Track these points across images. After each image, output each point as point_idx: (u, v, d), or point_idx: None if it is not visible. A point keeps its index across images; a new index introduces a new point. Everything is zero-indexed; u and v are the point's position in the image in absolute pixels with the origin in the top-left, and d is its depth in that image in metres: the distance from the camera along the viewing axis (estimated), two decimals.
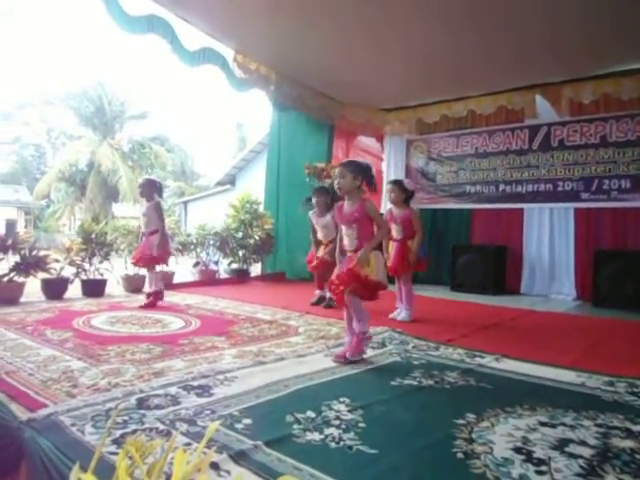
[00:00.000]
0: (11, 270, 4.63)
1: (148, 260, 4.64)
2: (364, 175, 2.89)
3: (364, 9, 4.68)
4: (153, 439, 1.69)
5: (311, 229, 4.98)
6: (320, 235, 4.83)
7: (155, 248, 4.57)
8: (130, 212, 22.93)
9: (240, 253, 7.15)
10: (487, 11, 4.50)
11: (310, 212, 4.93)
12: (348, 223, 2.89)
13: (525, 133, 6.57)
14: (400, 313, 4.22)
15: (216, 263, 7.41)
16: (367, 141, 8.27)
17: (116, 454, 1.59)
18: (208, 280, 6.75)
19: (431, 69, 5.98)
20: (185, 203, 19.98)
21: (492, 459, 1.64)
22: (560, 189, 6.26)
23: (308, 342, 3.28)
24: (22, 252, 4.73)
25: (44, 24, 54.66)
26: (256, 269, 7.80)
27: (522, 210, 6.56)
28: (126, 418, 1.88)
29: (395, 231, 4.24)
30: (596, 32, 4.73)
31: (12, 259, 4.80)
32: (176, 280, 6.43)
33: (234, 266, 7.29)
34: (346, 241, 2.93)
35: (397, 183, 4.31)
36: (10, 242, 4.70)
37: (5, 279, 4.59)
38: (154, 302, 4.58)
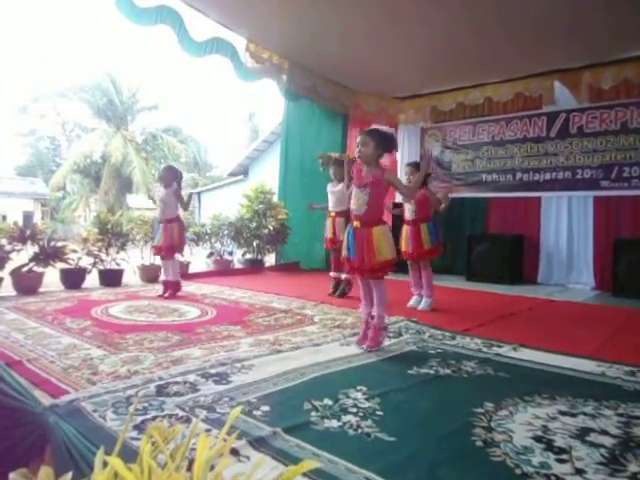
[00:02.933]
0: (30, 260, 4.70)
1: (170, 250, 4.66)
2: (387, 146, 2.83)
3: None
4: (173, 425, 1.70)
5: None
6: (330, 205, 4.81)
7: (175, 236, 4.60)
8: (144, 203, 23.14)
9: (254, 243, 7.17)
10: None
11: (328, 184, 4.93)
12: (362, 185, 2.83)
13: (543, 120, 6.45)
14: (420, 302, 4.20)
15: (230, 253, 7.45)
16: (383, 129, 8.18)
17: (137, 439, 1.61)
18: (223, 270, 6.79)
19: (446, 56, 5.88)
20: (199, 194, 20.06)
21: (512, 447, 1.64)
22: (579, 177, 6.15)
23: (324, 331, 3.28)
24: (41, 243, 4.80)
25: (57, 17, 55.03)
26: (270, 259, 7.83)
27: (539, 199, 6.46)
28: (146, 405, 1.91)
29: (409, 211, 4.21)
30: (618, 12, 4.59)
31: (31, 250, 4.87)
32: (191, 270, 6.48)
33: (248, 256, 7.32)
34: (355, 205, 2.86)
35: (414, 165, 4.29)
36: (29, 233, 4.76)
37: (25, 269, 4.67)
38: (174, 293, 4.62)
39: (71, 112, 28.40)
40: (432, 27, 5.20)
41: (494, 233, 6.62)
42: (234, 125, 55.84)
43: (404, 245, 4.22)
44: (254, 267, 7.11)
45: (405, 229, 4.25)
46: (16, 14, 52.21)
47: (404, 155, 7.78)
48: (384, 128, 2.93)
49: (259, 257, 7.31)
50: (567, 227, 6.25)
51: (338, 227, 4.65)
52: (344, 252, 2.97)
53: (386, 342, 2.98)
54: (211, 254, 7.28)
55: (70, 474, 1.03)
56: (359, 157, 2.88)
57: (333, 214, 4.77)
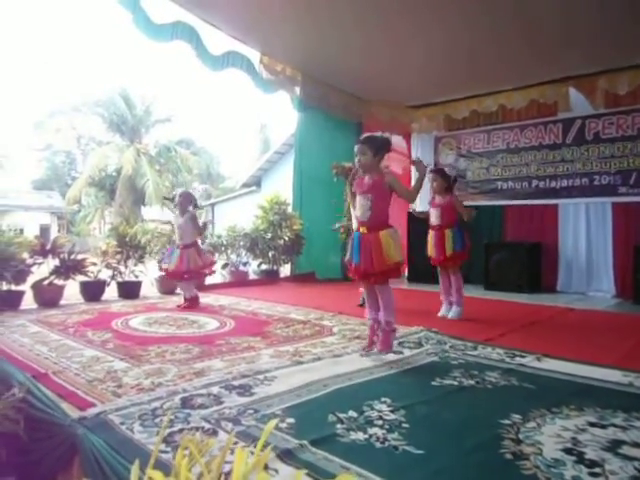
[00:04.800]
0: (51, 274, 4.77)
1: (184, 275, 4.72)
2: (385, 150, 2.86)
3: (387, 6, 4.65)
4: (203, 438, 1.71)
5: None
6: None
7: (190, 262, 4.65)
8: (158, 215, 23.39)
9: (270, 254, 7.20)
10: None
11: None
12: (365, 192, 2.85)
13: (558, 127, 6.41)
14: (450, 311, 4.18)
15: (244, 264, 7.47)
16: (394, 139, 8.19)
17: (164, 452, 1.62)
18: (239, 281, 6.82)
19: (459, 65, 5.89)
20: (212, 205, 20.24)
21: (542, 460, 1.61)
22: (596, 183, 6.09)
23: (343, 342, 3.27)
24: (61, 256, 4.87)
25: (72, 33, 56.28)
26: (284, 270, 7.84)
27: (556, 206, 6.40)
28: (172, 417, 1.91)
29: (434, 216, 4.21)
30: (633, 17, 4.57)
31: (51, 263, 4.94)
32: (207, 282, 6.51)
33: (264, 267, 7.34)
34: (359, 212, 2.88)
35: (438, 172, 4.31)
36: (50, 247, 4.84)
37: (46, 282, 4.74)
38: (193, 305, 4.67)
39: (86, 126, 28.91)
40: (445, 35, 5.23)
41: (511, 241, 6.57)
42: (245, 137, 56.33)
43: (430, 250, 4.23)
44: (270, 278, 7.13)
45: (430, 234, 4.26)
46: (31, 30, 53.47)
47: None
48: (377, 133, 2.93)
49: (274, 268, 7.33)
50: (585, 234, 6.17)
51: None
52: (347, 257, 2.98)
53: (406, 352, 2.97)
54: (225, 265, 7.32)
55: None
56: (360, 167, 2.91)
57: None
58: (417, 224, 4.85)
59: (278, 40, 5.80)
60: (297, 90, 6.73)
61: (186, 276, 4.74)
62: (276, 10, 4.98)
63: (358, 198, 2.90)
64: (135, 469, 1.04)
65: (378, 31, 5.22)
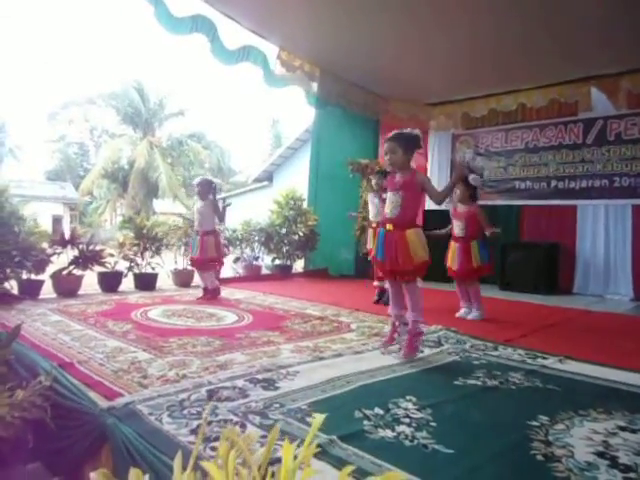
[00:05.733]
0: (70, 264, 4.81)
1: (206, 262, 4.74)
2: (415, 147, 2.82)
3: (410, 1, 4.61)
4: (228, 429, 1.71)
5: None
6: (371, 214, 4.77)
7: (211, 249, 4.66)
8: (170, 208, 23.52)
9: (284, 249, 7.20)
10: None
11: (370, 194, 4.92)
12: (395, 188, 2.81)
13: (579, 127, 6.34)
14: (469, 312, 4.15)
15: (256, 259, 7.47)
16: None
17: (194, 444, 1.62)
18: (253, 275, 6.84)
19: (479, 62, 5.84)
20: (223, 199, 20.29)
21: (575, 463, 1.59)
22: (617, 185, 6.01)
23: (362, 339, 3.26)
24: (80, 247, 4.91)
25: (87, 25, 56.61)
26: (297, 265, 7.84)
27: (575, 207, 6.34)
28: (199, 409, 1.92)
29: (458, 228, 4.13)
30: None
31: (69, 253, 4.98)
32: (221, 276, 6.53)
33: (277, 262, 7.35)
34: (388, 208, 2.84)
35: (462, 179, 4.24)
36: (69, 237, 4.88)
37: (64, 272, 4.78)
38: (214, 297, 4.70)
39: (99, 118, 29.13)
40: (464, 33, 5.18)
41: (528, 241, 6.51)
42: (257, 132, 56.41)
43: (450, 262, 4.15)
44: (283, 273, 7.14)
45: (453, 246, 4.15)
46: (46, 21, 53.86)
47: (434, 161, 7.74)
48: (407, 129, 2.87)
49: (288, 263, 7.34)
50: (604, 236, 6.10)
51: None
52: (373, 254, 2.96)
53: (427, 351, 2.96)
54: (237, 259, 7.35)
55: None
56: (390, 165, 2.87)
57: (374, 225, 4.73)
58: (433, 223, 4.79)
59: (298, 35, 5.78)
60: (314, 86, 6.70)
61: (209, 264, 4.75)
62: (296, 4, 4.97)
63: (389, 195, 2.87)
64: (179, 459, 1.04)
65: (399, 27, 5.18)
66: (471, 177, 4.29)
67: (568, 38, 5.07)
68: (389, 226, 2.82)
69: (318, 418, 0.99)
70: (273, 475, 0.98)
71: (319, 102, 7.15)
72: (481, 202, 7.05)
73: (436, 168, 7.63)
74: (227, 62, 5.63)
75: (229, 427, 1.73)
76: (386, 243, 2.81)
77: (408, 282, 2.82)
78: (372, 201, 4.78)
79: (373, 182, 4.79)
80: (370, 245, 4.73)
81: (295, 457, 0.98)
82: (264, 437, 1.67)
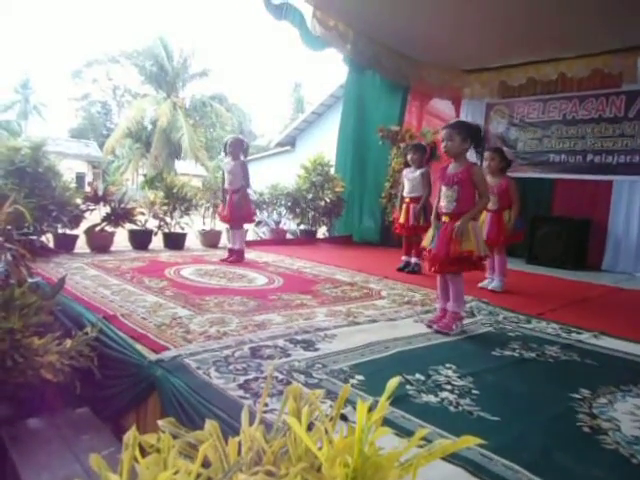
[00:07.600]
0: (103, 220, 4.89)
1: (239, 219, 4.76)
2: (473, 138, 2.75)
3: None
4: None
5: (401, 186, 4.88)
6: (405, 190, 4.70)
7: (240, 206, 4.67)
8: (192, 169, 23.56)
9: (310, 214, 7.19)
10: None
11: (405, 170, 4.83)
12: (450, 183, 2.77)
13: (622, 99, 6.07)
14: (491, 282, 4.13)
15: (278, 224, 7.47)
16: (440, 105, 7.92)
17: (245, 398, 1.67)
18: (278, 239, 6.87)
19: (519, 27, 5.53)
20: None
21: (622, 437, 1.60)
22: None
23: (394, 306, 3.27)
24: (112, 204, 4.97)
25: None
26: (320, 231, 7.82)
27: (611, 182, 6.14)
28: (245, 366, 1.96)
29: (490, 201, 4.07)
30: None
31: (102, 210, 5.05)
32: (247, 238, 6.58)
33: (302, 227, 7.36)
34: (444, 202, 2.80)
35: (497, 151, 4.13)
36: (102, 194, 4.94)
37: (97, 229, 4.86)
38: (238, 259, 4.71)
39: (122, 78, 28.98)
40: None
41: (559, 216, 6.36)
42: (278, 95, 55.58)
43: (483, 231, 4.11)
44: (308, 238, 7.15)
45: (484, 217, 4.07)
46: None
47: None
48: (469, 121, 2.84)
49: (313, 228, 7.34)
50: (639, 213, 5.93)
51: (412, 213, 4.56)
52: (424, 243, 2.91)
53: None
54: (259, 223, 7.37)
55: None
56: (445, 152, 2.81)
57: (408, 200, 4.64)
58: None
59: None
60: (348, 47, 6.52)
61: (237, 221, 4.78)
62: None
63: (443, 189, 2.81)
64: (246, 410, 1.07)
65: None
66: (505, 149, 4.19)
67: (616, 5, 4.78)
68: (445, 218, 2.79)
69: (393, 381, 1.00)
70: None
71: (352, 65, 6.97)
72: (513, 174, 6.95)
73: None
74: (275, 17, 5.64)
75: (294, 384, 1.77)
76: (440, 232, 2.77)
77: (454, 274, 2.78)
78: (407, 176, 4.68)
79: (408, 157, 4.68)
80: (402, 219, 4.68)
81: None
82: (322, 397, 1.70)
